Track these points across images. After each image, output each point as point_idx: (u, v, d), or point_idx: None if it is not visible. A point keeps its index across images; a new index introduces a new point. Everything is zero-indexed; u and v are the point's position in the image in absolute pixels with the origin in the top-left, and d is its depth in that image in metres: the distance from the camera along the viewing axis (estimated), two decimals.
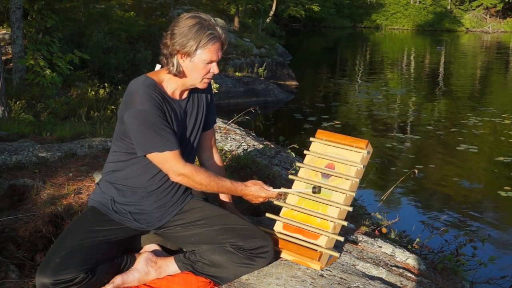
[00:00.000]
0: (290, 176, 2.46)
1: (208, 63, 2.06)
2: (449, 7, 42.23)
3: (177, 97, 2.16)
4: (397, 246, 2.67)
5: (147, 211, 2.16)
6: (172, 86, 2.13)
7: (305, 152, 2.45)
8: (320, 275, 2.15)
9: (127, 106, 2.03)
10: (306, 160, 2.43)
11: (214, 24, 2.05)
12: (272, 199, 2.31)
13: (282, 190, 2.28)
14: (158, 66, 2.19)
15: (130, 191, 2.14)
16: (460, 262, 2.89)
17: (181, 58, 2.05)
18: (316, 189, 2.24)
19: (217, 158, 2.43)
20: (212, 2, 20.58)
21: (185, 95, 2.19)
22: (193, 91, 2.22)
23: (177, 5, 17.81)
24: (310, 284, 2.06)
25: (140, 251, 2.20)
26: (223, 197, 2.40)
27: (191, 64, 2.05)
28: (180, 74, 2.08)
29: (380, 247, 2.63)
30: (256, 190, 2.21)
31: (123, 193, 2.15)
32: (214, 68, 2.09)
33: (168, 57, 2.07)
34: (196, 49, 2.02)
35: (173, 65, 2.06)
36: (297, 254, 2.23)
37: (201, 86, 2.13)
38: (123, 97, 2.10)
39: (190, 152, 2.24)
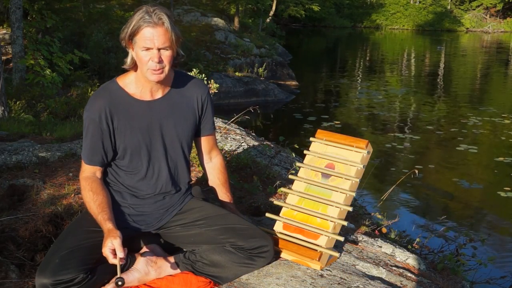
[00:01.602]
0: (290, 176, 2.46)
1: (145, 50, 1.97)
2: (449, 7, 42.22)
3: (147, 97, 2.11)
4: (397, 246, 2.67)
5: (147, 213, 2.16)
6: (138, 85, 2.10)
7: (305, 152, 2.45)
8: (320, 275, 2.15)
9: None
10: (306, 160, 2.43)
11: (154, 11, 1.95)
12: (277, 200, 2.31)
13: (117, 264, 1.86)
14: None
15: (128, 194, 2.14)
16: (460, 262, 2.89)
17: (130, 49, 2.03)
18: (119, 282, 1.85)
19: (217, 161, 2.40)
20: (212, 2, 20.57)
21: (158, 94, 2.14)
22: (175, 90, 2.17)
23: (177, 5, 17.81)
24: (310, 284, 2.06)
25: (140, 251, 2.20)
26: (223, 197, 2.39)
27: (135, 54, 2.01)
28: (131, 65, 2.06)
29: (380, 247, 2.62)
30: (104, 240, 1.89)
31: (121, 194, 2.15)
32: (153, 56, 1.96)
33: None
34: (131, 36, 1.97)
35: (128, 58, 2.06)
36: (297, 254, 2.23)
37: (150, 78, 2.02)
38: None
39: (176, 154, 2.19)
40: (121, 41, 2.04)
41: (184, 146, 2.22)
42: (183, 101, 2.19)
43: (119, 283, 1.85)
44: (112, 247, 1.85)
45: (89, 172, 2.10)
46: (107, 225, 1.94)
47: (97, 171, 2.11)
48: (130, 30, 1.97)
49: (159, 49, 1.97)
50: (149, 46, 1.95)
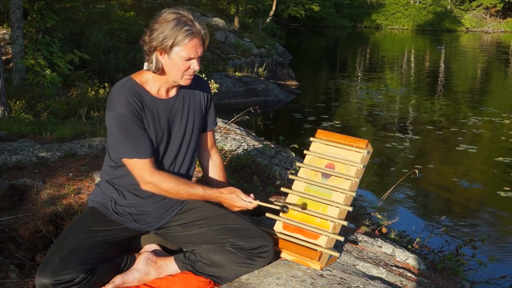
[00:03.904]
0: (290, 176, 2.46)
1: (186, 60, 2.02)
2: (449, 7, 42.24)
3: (163, 95, 2.14)
4: (397, 246, 2.67)
5: (147, 212, 2.16)
6: (156, 84, 2.12)
7: (305, 152, 2.45)
8: (320, 275, 2.15)
9: (107, 109, 2.05)
10: (306, 160, 2.43)
11: (192, 20, 2.02)
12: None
13: (261, 203, 2.14)
14: (146, 65, 2.18)
15: (129, 192, 2.14)
16: (460, 262, 2.89)
17: (160, 55, 2.03)
18: (285, 208, 2.12)
19: (217, 159, 2.41)
20: (212, 2, 20.58)
21: (172, 93, 2.17)
22: (185, 89, 2.20)
23: (177, 5, 17.80)
24: (310, 284, 2.06)
25: (140, 251, 2.20)
26: None
27: (170, 61, 2.02)
28: (159, 71, 2.06)
29: (380, 247, 2.63)
30: (231, 199, 2.13)
31: (123, 194, 2.15)
32: (194, 65, 2.04)
33: (148, 54, 2.06)
34: (172, 46, 1.99)
35: (152, 62, 2.05)
36: (297, 254, 2.23)
37: (182, 82, 2.09)
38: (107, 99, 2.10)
39: (187, 151, 2.21)
40: (146, 45, 2.03)
41: (195, 142, 2.25)
42: (193, 98, 2.24)
43: (285, 208, 2.11)
44: (241, 202, 2.10)
45: (151, 167, 2.05)
46: (218, 191, 2.13)
47: (153, 163, 2.07)
48: (173, 41, 1.98)
49: (198, 57, 2.05)
50: (194, 56, 2.02)
